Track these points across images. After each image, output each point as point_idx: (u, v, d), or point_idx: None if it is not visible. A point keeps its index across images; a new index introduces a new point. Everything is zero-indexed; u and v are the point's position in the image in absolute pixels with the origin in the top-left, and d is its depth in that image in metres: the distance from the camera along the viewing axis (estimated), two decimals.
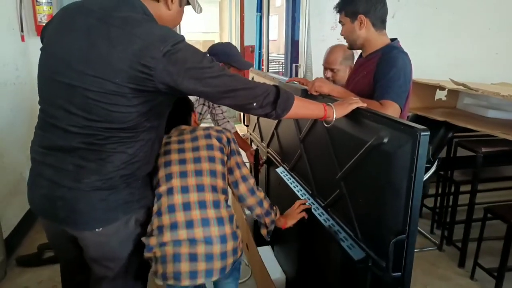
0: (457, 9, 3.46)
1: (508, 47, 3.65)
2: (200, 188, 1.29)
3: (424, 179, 2.14)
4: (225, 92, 1.10)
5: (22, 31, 2.75)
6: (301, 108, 1.23)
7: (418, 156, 0.98)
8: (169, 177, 1.31)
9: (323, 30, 3.33)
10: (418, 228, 2.76)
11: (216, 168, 1.35)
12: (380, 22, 1.64)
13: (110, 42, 1.02)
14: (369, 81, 1.61)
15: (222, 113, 2.39)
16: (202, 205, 1.27)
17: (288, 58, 4.59)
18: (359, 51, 1.80)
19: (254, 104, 1.13)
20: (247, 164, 2.53)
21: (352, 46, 1.74)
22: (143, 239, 1.24)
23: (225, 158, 1.40)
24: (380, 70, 1.57)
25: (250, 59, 5.30)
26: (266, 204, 1.47)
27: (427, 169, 2.18)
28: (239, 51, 2.47)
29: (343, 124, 1.31)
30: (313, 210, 1.56)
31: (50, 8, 3.03)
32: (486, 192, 2.94)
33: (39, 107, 1.17)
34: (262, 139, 2.52)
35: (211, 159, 1.35)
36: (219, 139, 1.40)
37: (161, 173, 1.32)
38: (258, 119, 2.60)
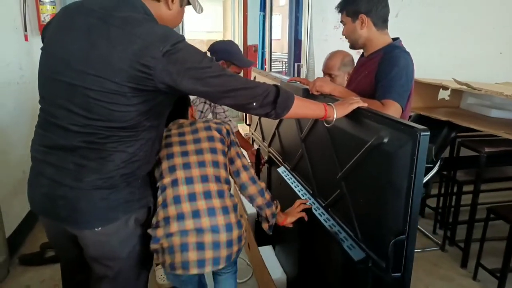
0: (461, 8, 3.43)
1: None
2: (204, 178, 1.31)
3: (427, 179, 2.16)
4: (225, 92, 1.10)
5: (25, 30, 2.76)
6: (301, 108, 1.23)
7: (418, 156, 0.98)
8: (172, 169, 1.33)
9: (326, 30, 3.30)
10: (420, 228, 2.81)
11: (218, 159, 1.37)
12: (381, 22, 1.63)
13: (110, 42, 1.03)
14: (370, 80, 1.61)
15: (224, 112, 2.39)
16: (207, 195, 1.29)
17: (291, 58, 4.57)
18: (360, 52, 1.80)
19: (254, 104, 1.13)
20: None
21: (353, 46, 1.74)
22: (149, 231, 1.26)
23: (226, 149, 1.43)
24: (381, 69, 1.56)
25: (253, 58, 5.29)
26: (267, 195, 1.49)
27: (430, 169, 2.17)
28: (242, 50, 2.47)
29: (343, 124, 1.31)
30: (313, 210, 1.56)
31: (54, 7, 3.05)
32: (489, 192, 2.92)
33: (40, 106, 1.18)
34: (263, 139, 2.52)
35: (213, 150, 1.37)
36: (219, 131, 1.43)
37: (164, 165, 1.34)
38: (260, 119, 2.59)
